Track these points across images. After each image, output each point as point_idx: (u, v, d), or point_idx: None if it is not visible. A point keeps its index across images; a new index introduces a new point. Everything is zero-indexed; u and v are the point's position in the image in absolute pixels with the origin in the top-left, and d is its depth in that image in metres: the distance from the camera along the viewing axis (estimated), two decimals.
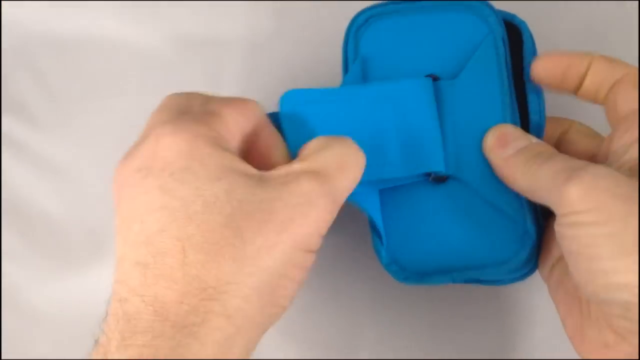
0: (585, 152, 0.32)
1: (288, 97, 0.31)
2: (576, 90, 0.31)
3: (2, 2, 0.42)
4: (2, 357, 0.38)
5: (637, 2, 0.40)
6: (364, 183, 0.29)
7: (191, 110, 0.27)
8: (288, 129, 0.30)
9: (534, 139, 0.30)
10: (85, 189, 0.40)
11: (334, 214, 0.26)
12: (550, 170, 0.27)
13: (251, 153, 0.28)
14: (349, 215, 0.31)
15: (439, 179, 0.32)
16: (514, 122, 0.31)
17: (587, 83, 0.30)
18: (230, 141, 0.26)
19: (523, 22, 0.33)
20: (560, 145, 0.33)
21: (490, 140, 0.30)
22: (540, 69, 0.31)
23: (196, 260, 0.23)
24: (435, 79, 0.32)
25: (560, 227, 0.27)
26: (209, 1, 0.41)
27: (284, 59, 0.41)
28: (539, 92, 0.32)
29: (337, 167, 0.27)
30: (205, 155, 0.25)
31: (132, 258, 0.25)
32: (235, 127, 0.27)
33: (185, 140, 0.25)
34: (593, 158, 0.31)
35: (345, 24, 0.33)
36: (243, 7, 0.41)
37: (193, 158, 0.24)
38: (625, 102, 0.29)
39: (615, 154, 0.29)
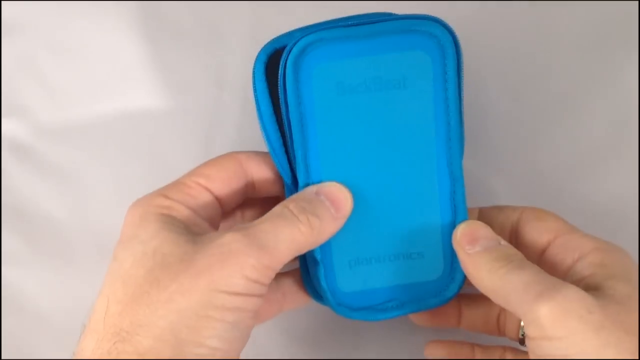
0: (538, 243, 0.32)
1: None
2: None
3: (2, 2, 0.42)
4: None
5: (637, 2, 0.41)
6: None
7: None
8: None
9: (503, 241, 0.30)
10: (87, 191, 0.40)
11: (264, 260, 0.27)
12: (519, 281, 0.27)
13: (254, 193, 0.32)
14: None
15: None
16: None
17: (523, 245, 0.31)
18: (187, 206, 0.29)
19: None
20: (516, 237, 0.32)
21: (460, 235, 0.30)
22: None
23: (115, 311, 0.26)
24: None
25: (533, 349, 0.27)
26: (212, 1, 0.41)
27: None
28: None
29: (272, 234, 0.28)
30: (149, 223, 0.28)
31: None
32: (198, 190, 0.30)
33: (138, 213, 0.29)
34: (544, 252, 0.31)
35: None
36: (246, 5, 0.41)
37: (140, 226, 0.28)
38: (574, 250, 0.30)
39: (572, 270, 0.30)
